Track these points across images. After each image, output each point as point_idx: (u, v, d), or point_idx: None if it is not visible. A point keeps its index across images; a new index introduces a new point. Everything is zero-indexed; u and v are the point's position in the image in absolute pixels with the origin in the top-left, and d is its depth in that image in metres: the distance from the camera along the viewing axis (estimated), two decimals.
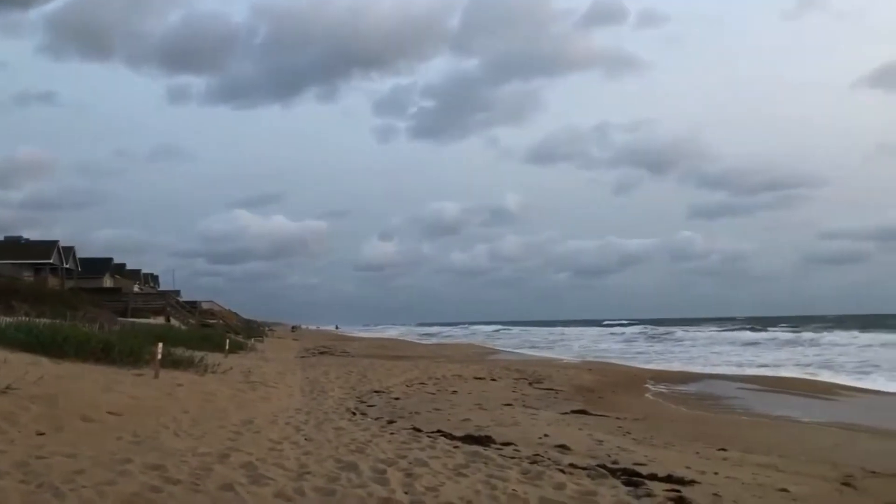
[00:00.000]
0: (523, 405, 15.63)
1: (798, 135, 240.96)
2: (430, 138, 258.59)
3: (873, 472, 9.02)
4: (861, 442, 12.70)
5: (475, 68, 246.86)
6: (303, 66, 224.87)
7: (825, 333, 54.38)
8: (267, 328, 72.43)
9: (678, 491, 6.91)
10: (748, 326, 73.88)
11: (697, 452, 10.15)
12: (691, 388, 23.07)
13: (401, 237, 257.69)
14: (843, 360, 33.40)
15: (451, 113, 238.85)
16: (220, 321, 53.42)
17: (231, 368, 17.39)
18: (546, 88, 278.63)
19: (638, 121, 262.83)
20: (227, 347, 24.46)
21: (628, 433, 11.97)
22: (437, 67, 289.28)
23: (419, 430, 10.57)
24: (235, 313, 71.03)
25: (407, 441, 9.45)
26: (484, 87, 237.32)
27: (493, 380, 21.67)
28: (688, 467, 8.48)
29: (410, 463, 7.77)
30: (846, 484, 8.27)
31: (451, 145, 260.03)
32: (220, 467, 6.98)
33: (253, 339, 40.48)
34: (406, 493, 6.41)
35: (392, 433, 10.23)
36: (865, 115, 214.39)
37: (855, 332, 51.70)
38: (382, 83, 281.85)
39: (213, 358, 17.70)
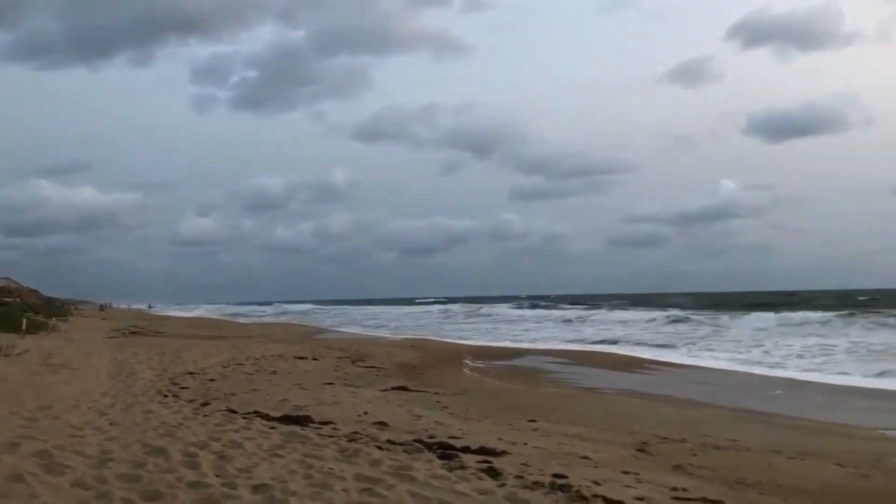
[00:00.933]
0: (345, 384, 15.62)
1: (609, 124, 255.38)
2: (253, 110, 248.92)
3: (665, 438, 9.86)
4: (657, 410, 13.79)
5: (301, 40, 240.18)
6: (112, 26, 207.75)
7: (627, 311, 58.37)
8: (72, 307, 67.61)
9: (489, 462, 7.18)
10: (553, 304, 77.39)
11: (510, 424, 10.60)
12: (507, 363, 24.06)
13: (221, 212, 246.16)
14: (643, 335, 36.14)
15: (275, 84, 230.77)
16: (17, 299, 49.17)
17: (28, 350, 16.09)
18: (374, 66, 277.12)
19: (463, 104, 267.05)
20: (23, 328, 22.59)
21: (446, 408, 12.29)
22: (261, 37, 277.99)
23: (234, 412, 10.29)
24: (35, 291, 65.78)
25: (221, 423, 9.19)
26: (310, 60, 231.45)
27: (316, 359, 21.48)
28: (500, 439, 8.84)
29: (224, 445, 7.57)
30: (641, 450, 8.97)
31: (276, 118, 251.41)
32: (9, 457, 6.45)
33: (55, 319, 37.58)
34: (217, 475, 6.23)
35: (205, 415, 9.89)
36: (667, 109, 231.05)
37: (656, 310, 55.77)
38: (201, 50, 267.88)
39: (7, 339, 16.32)
